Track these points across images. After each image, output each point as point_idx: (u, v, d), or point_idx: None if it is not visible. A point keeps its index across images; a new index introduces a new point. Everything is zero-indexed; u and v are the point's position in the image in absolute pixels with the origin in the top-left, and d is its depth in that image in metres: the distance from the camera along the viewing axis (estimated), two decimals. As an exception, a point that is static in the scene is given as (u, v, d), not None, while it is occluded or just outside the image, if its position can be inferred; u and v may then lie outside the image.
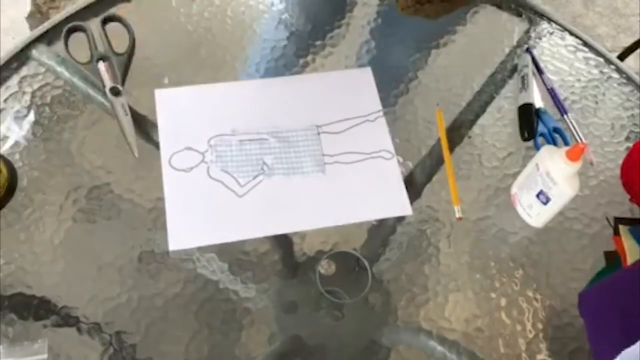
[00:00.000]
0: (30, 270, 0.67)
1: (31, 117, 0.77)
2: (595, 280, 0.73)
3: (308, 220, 0.72)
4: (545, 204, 0.72)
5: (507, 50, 0.92)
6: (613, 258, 0.74)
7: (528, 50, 0.91)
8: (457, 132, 0.83)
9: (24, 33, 1.56)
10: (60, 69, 0.81)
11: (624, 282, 0.62)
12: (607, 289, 0.64)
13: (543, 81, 0.89)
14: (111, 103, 0.77)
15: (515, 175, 0.78)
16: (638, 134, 0.86)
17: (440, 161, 0.80)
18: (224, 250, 0.70)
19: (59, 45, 0.80)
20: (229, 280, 0.69)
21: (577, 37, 0.95)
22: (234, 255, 0.70)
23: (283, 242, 0.72)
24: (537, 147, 0.81)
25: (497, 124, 0.84)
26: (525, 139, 0.83)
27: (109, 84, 0.78)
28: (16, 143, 0.74)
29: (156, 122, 0.77)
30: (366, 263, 0.71)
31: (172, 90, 0.80)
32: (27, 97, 0.78)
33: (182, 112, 0.79)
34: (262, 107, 0.80)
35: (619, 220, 0.77)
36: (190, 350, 0.64)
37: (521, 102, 0.85)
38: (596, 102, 0.89)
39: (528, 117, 0.83)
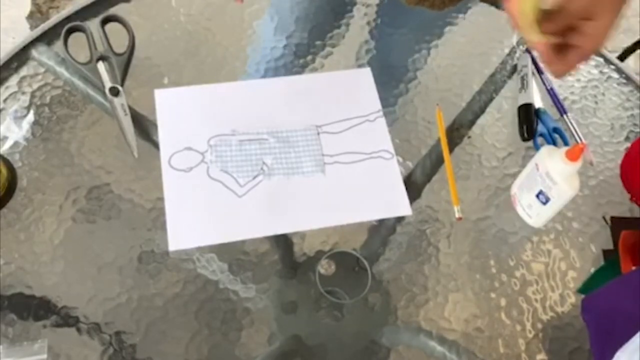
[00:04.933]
0: (30, 270, 0.67)
1: (31, 117, 0.77)
2: (593, 279, 0.73)
3: (308, 220, 0.72)
4: (544, 204, 0.72)
5: (507, 50, 0.92)
6: (611, 256, 0.74)
7: (528, 50, 0.91)
8: (457, 132, 0.83)
9: (24, 33, 1.56)
10: (60, 69, 0.81)
11: (629, 287, 0.62)
12: (611, 294, 0.64)
13: (543, 81, 0.89)
14: (111, 103, 0.77)
15: (515, 175, 0.78)
16: (638, 134, 0.86)
17: (440, 161, 0.80)
18: (223, 250, 0.70)
19: (59, 45, 0.80)
20: (228, 280, 0.69)
21: (577, 37, 0.95)
22: (234, 255, 0.70)
23: (283, 242, 0.72)
24: (536, 147, 0.81)
25: (497, 124, 0.84)
26: (524, 139, 0.83)
27: (108, 84, 0.78)
28: (16, 143, 0.75)
29: (156, 122, 0.77)
30: (366, 263, 0.71)
31: (172, 90, 0.80)
32: (27, 97, 0.78)
33: (182, 112, 0.79)
34: (262, 107, 0.80)
35: (616, 220, 0.77)
36: (190, 350, 0.64)
37: (521, 102, 0.85)
38: (596, 102, 0.89)
39: (528, 117, 0.83)
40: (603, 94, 0.90)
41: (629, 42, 1.50)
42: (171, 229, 0.70)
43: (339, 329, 0.67)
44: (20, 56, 0.81)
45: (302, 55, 0.87)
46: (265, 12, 0.91)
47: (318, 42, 0.88)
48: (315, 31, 0.89)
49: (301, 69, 0.85)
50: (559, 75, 0.63)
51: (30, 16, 1.85)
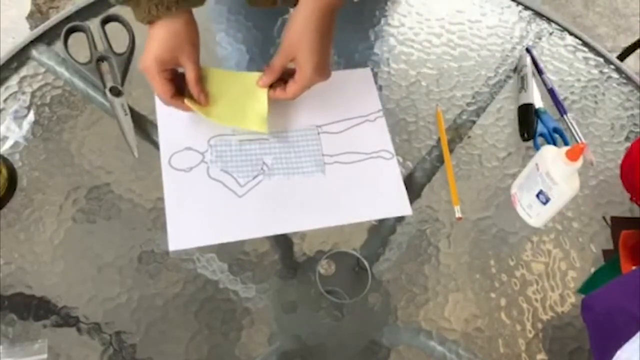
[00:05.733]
0: (30, 270, 0.67)
1: (31, 117, 0.77)
2: (593, 279, 0.73)
3: (308, 220, 0.72)
4: (545, 203, 0.72)
5: (506, 50, 0.92)
6: (611, 256, 0.74)
7: (528, 50, 0.91)
8: (457, 132, 0.83)
9: (24, 33, 1.56)
10: (60, 69, 0.81)
11: (629, 287, 0.62)
12: (611, 294, 0.64)
13: (543, 81, 0.89)
14: (111, 103, 0.77)
15: (515, 175, 0.78)
16: (638, 134, 0.86)
17: (440, 161, 0.80)
18: (224, 250, 0.70)
19: (59, 45, 0.80)
20: (229, 280, 0.69)
21: (577, 37, 0.95)
22: (234, 255, 0.70)
23: (283, 242, 0.72)
24: (536, 147, 0.81)
25: (497, 124, 0.84)
26: (525, 139, 0.83)
27: (109, 83, 0.78)
28: (16, 143, 0.75)
29: (156, 122, 0.77)
30: (366, 263, 0.71)
31: (172, 90, 0.80)
32: (27, 97, 0.78)
33: (182, 112, 0.78)
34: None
35: (616, 220, 0.77)
36: (190, 350, 0.64)
37: (521, 102, 0.85)
38: (596, 102, 0.89)
39: (528, 117, 0.83)
40: (603, 94, 0.90)
41: (629, 42, 1.50)
42: (171, 229, 0.70)
43: (339, 329, 0.67)
44: (20, 56, 0.81)
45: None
46: (265, 11, 0.91)
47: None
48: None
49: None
50: (289, 99, 0.76)
51: (30, 16, 1.85)
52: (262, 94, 0.76)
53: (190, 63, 0.71)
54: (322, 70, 0.74)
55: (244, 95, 0.76)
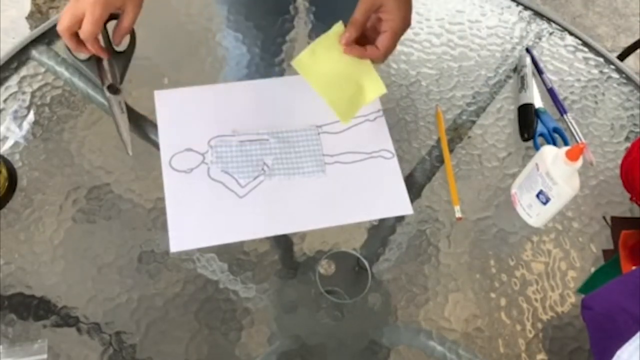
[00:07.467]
0: (30, 270, 0.67)
1: (31, 117, 0.77)
2: (593, 279, 0.73)
3: (308, 220, 0.72)
4: (545, 203, 0.72)
5: (506, 50, 0.92)
6: (611, 256, 0.74)
7: (528, 50, 0.91)
8: (457, 132, 0.83)
9: (24, 33, 1.57)
10: (60, 69, 0.81)
11: (629, 287, 0.62)
12: (611, 294, 0.64)
13: (543, 81, 0.89)
14: (108, 100, 0.77)
15: (515, 175, 0.78)
16: (638, 134, 0.86)
17: (440, 161, 0.80)
18: (223, 251, 0.70)
19: (59, 45, 0.80)
20: (229, 280, 0.69)
21: (577, 37, 0.95)
22: (233, 255, 0.70)
23: (283, 242, 0.72)
24: (536, 147, 0.81)
25: (497, 124, 0.84)
26: (524, 139, 0.83)
27: (107, 82, 0.78)
28: (16, 143, 0.75)
29: (156, 122, 0.77)
30: (366, 263, 0.71)
31: (172, 91, 0.80)
32: (27, 97, 0.78)
33: (182, 113, 0.79)
34: (262, 107, 0.80)
35: (616, 220, 0.77)
36: (190, 350, 0.64)
37: (521, 102, 0.85)
38: (596, 102, 0.89)
39: (528, 117, 0.83)
40: (603, 94, 0.90)
41: (629, 42, 1.50)
42: (172, 230, 0.70)
43: (339, 329, 0.67)
44: (20, 56, 0.81)
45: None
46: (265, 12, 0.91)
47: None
48: (315, 31, 0.89)
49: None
50: (382, 58, 0.72)
51: (30, 16, 1.85)
52: (366, 64, 0.72)
53: (134, 8, 0.66)
54: (408, 19, 0.69)
55: (348, 73, 0.71)
